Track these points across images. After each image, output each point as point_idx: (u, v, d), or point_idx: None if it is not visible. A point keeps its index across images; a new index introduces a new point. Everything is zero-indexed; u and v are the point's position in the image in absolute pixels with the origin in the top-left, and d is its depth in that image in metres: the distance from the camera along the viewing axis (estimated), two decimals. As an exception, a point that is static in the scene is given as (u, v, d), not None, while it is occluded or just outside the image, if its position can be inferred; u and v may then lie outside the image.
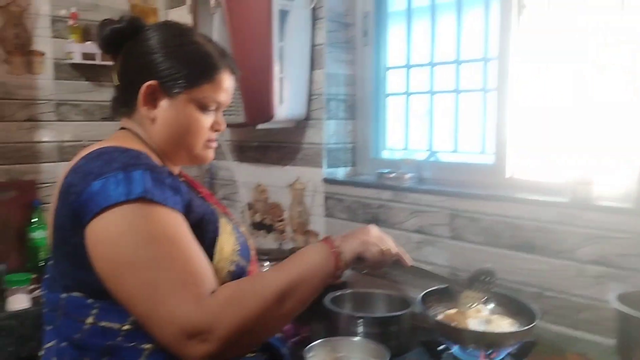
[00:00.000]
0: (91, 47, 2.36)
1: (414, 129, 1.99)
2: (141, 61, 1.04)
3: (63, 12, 2.36)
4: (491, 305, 1.33)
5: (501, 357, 1.21)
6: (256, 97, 1.90)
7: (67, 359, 0.95)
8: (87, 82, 2.46)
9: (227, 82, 1.09)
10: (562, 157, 1.55)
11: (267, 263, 1.83)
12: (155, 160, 1.01)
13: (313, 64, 2.01)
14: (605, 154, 1.46)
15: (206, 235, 0.99)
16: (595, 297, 1.36)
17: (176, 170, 1.14)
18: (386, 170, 1.88)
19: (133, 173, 0.88)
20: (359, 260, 1.02)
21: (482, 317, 1.26)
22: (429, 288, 1.36)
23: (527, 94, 1.62)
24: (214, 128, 1.10)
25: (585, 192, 1.39)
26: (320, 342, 1.36)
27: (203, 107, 1.06)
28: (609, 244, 1.33)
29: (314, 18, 1.99)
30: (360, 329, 1.46)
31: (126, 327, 0.92)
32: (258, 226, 2.30)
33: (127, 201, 0.85)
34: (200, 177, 2.49)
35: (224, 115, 1.16)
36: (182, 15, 2.46)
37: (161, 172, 0.93)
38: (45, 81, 2.35)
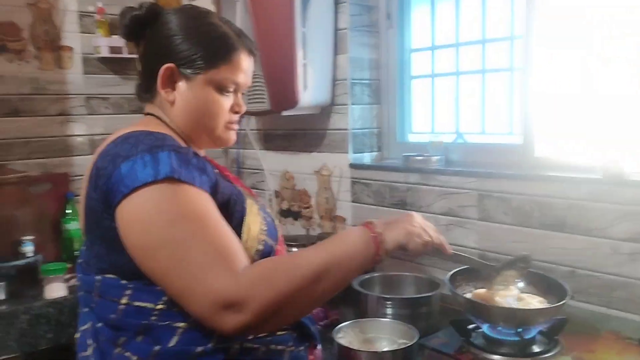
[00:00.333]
0: (118, 40, 2.40)
1: (440, 111, 1.97)
2: (160, 45, 1.06)
3: (90, 8, 2.41)
4: (521, 284, 1.31)
5: (532, 334, 1.20)
6: (280, 84, 1.90)
7: (104, 339, 0.97)
8: (114, 76, 2.51)
9: (245, 63, 1.09)
10: (592, 135, 1.52)
11: (294, 249, 1.84)
12: (180, 142, 1.02)
13: (337, 49, 2.00)
14: (636, 129, 1.42)
15: (234, 215, 1.00)
16: (630, 274, 1.33)
17: (202, 153, 1.15)
18: (413, 154, 1.87)
19: (159, 154, 0.89)
20: (400, 250, 1.01)
21: (512, 295, 1.24)
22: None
23: (553, 73, 1.59)
24: (233, 110, 1.11)
25: (618, 168, 1.35)
26: (349, 323, 1.36)
27: (221, 89, 1.07)
28: (643, 220, 1.30)
29: (337, 2, 1.98)
30: (389, 311, 1.46)
31: (159, 306, 0.93)
32: (285, 213, 2.31)
33: (154, 181, 0.86)
34: (227, 166, 2.51)
35: (249, 103, 1.16)
36: (205, 3, 2.48)
37: (187, 153, 0.95)
38: (74, 76, 2.40)
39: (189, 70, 1.04)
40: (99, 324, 0.98)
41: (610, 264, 1.37)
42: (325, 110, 2.06)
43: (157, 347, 0.93)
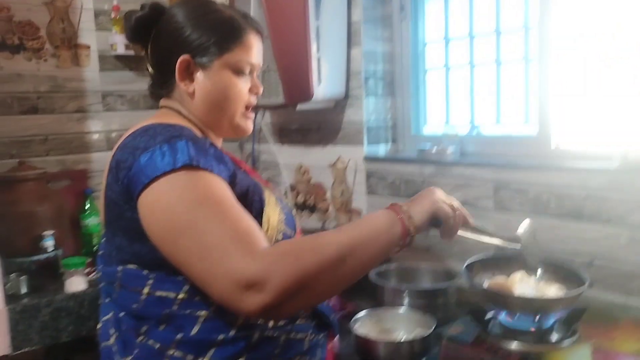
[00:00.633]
0: (132, 47, 2.42)
1: (454, 103, 1.97)
2: (171, 39, 1.07)
3: (106, 6, 2.43)
4: (539, 272, 1.31)
5: (550, 323, 1.20)
6: (294, 78, 1.91)
7: (126, 328, 0.99)
8: (130, 73, 2.54)
9: (256, 43, 1.11)
10: (608, 124, 1.51)
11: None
12: (198, 133, 1.03)
13: (350, 42, 2.00)
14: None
15: (252, 206, 1.01)
16: (649, 264, 1.33)
17: (218, 143, 1.16)
18: (428, 146, 1.87)
19: (177, 143, 0.91)
20: (433, 223, 1.00)
21: (529, 284, 1.24)
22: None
23: (569, 63, 1.58)
24: (252, 91, 1.12)
25: (635, 157, 1.35)
26: (367, 313, 1.38)
27: (238, 71, 1.08)
28: (662, 209, 1.29)
29: (350, -5, 1.98)
30: (406, 302, 1.47)
31: (181, 295, 0.95)
32: (301, 207, 2.32)
33: (173, 170, 0.88)
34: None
35: (263, 98, 1.18)
36: None
37: (204, 144, 0.96)
38: (91, 73, 2.43)
39: (204, 59, 1.05)
40: (122, 314, 1.00)
41: (629, 253, 1.36)
42: (340, 104, 2.06)
43: (179, 335, 0.95)
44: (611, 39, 1.46)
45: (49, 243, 2.03)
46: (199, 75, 1.07)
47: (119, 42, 2.42)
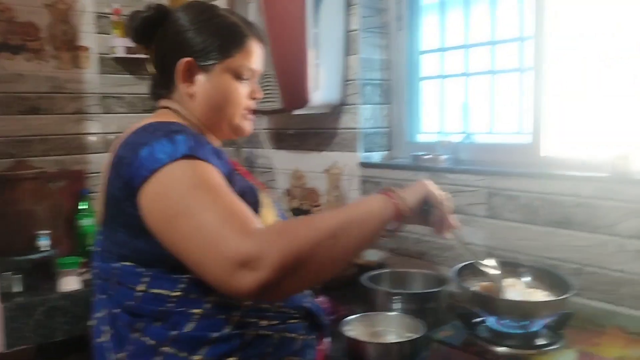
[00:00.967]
0: (135, 47, 2.44)
1: (449, 112, 1.99)
2: (174, 41, 1.09)
3: (107, 9, 2.46)
4: (527, 279, 1.33)
5: (537, 328, 1.21)
6: (292, 83, 1.94)
7: (121, 324, 1.00)
8: (130, 76, 2.57)
9: (257, 50, 1.13)
10: (599, 133, 1.54)
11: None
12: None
13: (348, 50, 2.03)
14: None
15: (248, 207, 1.03)
16: (636, 271, 1.34)
17: (216, 144, 1.18)
18: (422, 153, 1.89)
19: (176, 137, 0.93)
20: (424, 208, 1.04)
21: (517, 290, 1.26)
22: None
23: (561, 72, 1.61)
24: (251, 96, 1.14)
25: (625, 166, 1.37)
26: (358, 316, 1.39)
27: (238, 76, 1.11)
28: (649, 218, 1.31)
29: (348, 4, 2.01)
30: (397, 306, 1.48)
31: (177, 293, 0.96)
32: (296, 212, 2.34)
33: (173, 161, 0.90)
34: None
35: (260, 103, 1.20)
36: (220, 4, 2.53)
37: (202, 140, 0.98)
38: (91, 75, 2.46)
39: (206, 63, 1.08)
40: (117, 310, 1.01)
41: (617, 261, 1.38)
42: (336, 110, 2.09)
43: (174, 332, 0.96)
44: (608, 42, 1.48)
45: (45, 242, 2.05)
46: (200, 78, 1.09)
47: (119, 45, 2.45)
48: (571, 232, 1.47)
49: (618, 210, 1.37)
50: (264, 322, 1.01)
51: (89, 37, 2.45)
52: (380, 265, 1.92)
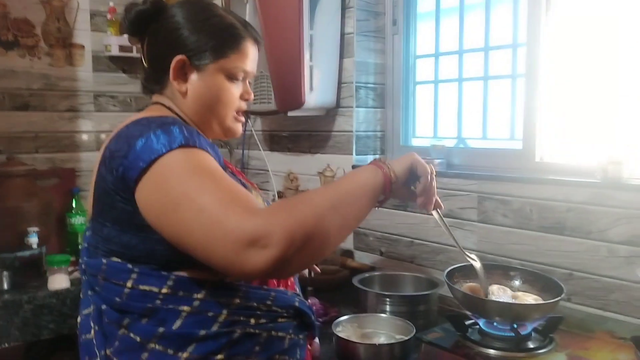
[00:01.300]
0: (128, 40, 2.44)
1: (443, 116, 2.00)
2: (169, 38, 1.08)
3: (102, 7, 2.45)
4: (517, 282, 1.33)
5: (528, 331, 1.22)
6: (287, 85, 1.94)
7: (108, 321, 0.99)
8: (123, 74, 2.56)
9: (252, 51, 1.13)
10: (592, 139, 1.55)
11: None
12: None
13: (343, 53, 2.04)
14: (634, 134, 1.45)
15: None
16: (626, 277, 1.35)
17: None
18: (415, 157, 1.89)
19: (171, 127, 0.92)
20: (411, 178, 1.04)
21: (508, 293, 1.26)
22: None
23: (554, 79, 1.62)
24: (243, 97, 1.14)
25: (617, 172, 1.38)
26: (348, 317, 1.39)
27: (231, 77, 1.10)
28: (640, 224, 1.32)
29: (344, 7, 2.02)
30: (388, 308, 1.49)
31: (165, 290, 0.95)
32: (288, 214, 2.33)
33: (169, 150, 0.89)
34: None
35: (255, 104, 1.19)
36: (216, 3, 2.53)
37: (196, 131, 0.98)
38: (84, 73, 2.45)
39: (199, 62, 1.07)
40: (104, 306, 1.00)
41: (607, 266, 1.39)
42: (330, 113, 2.09)
43: (161, 329, 0.95)
44: (595, 57, 1.50)
45: (34, 239, 2.03)
46: (193, 77, 1.08)
47: (114, 44, 2.44)
48: (562, 237, 1.47)
49: (609, 215, 1.38)
50: (253, 321, 1.00)
51: (83, 35, 2.44)
52: (371, 268, 1.92)
